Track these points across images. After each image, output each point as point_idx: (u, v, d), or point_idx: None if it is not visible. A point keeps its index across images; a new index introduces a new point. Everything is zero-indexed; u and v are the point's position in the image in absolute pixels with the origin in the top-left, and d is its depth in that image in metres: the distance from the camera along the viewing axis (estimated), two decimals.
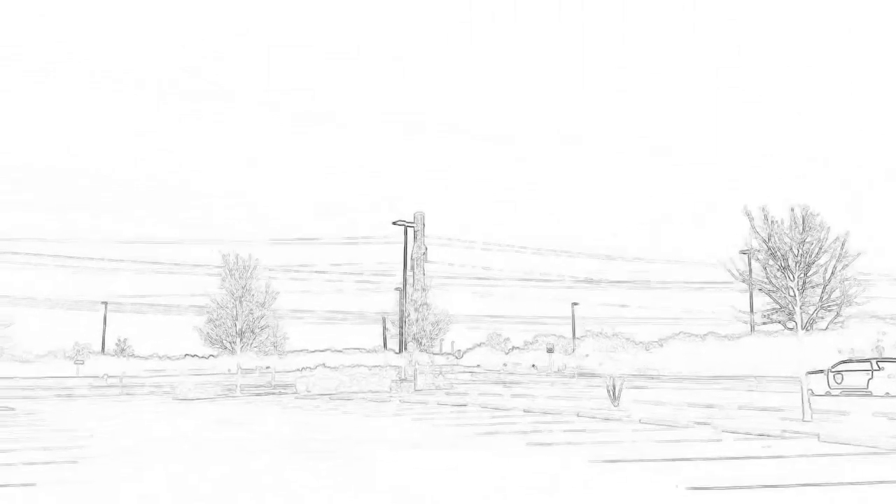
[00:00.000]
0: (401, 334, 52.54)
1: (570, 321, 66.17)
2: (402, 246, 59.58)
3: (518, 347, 68.02)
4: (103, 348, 62.24)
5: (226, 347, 32.50)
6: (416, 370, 35.35)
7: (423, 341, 37.07)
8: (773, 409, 18.76)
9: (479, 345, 68.08)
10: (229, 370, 48.21)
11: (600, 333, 63.19)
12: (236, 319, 32.30)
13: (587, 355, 62.84)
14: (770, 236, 16.18)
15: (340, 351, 64.26)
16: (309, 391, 33.28)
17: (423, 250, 61.61)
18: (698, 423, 15.94)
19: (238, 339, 32.22)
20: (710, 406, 20.44)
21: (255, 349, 34.11)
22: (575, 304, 57.02)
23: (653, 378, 45.22)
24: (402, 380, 31.49)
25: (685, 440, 13.61)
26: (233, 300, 32.27)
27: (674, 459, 11.25)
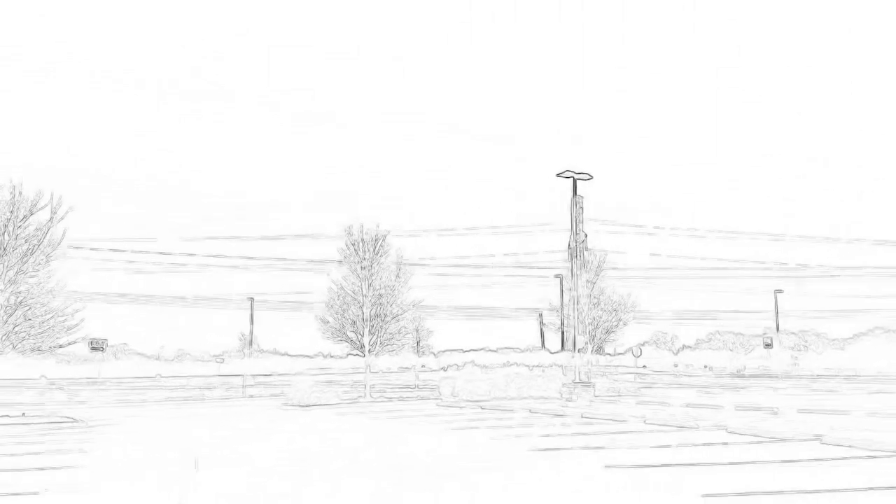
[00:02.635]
0: (562, 330, 44.49)
1: (754, 316, 55.64)
2: (569, 218, 51.53)
3: (689, 346, 58.35)
4: (251, 345, 58.32)
5: (350, 340, 25.76)
6: (587, 372, 27.27)
7: (598, 336, 28.91)
8: None
9: (644, 343, 58.83)
10: (382, 370, 41.97)
11: (787, 330, 53.08)
12: (363, 306, 25.47)
13: (766, 356, 53.27)
14: None
15: (495, 350, 56.43)
16: (455, 396, 25.99)
17: (582, 237, 53.15)
18: None
19: (365, 329, 25.37)
20: None
21: (391, 345, 27.14)
22: (779, 291, 46.76)
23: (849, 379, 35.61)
24: (580, 383, 23.41)
25: None
26: (357, 280, 25.49)
27: None
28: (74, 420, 19.48)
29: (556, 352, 49.27)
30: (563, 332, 46.08)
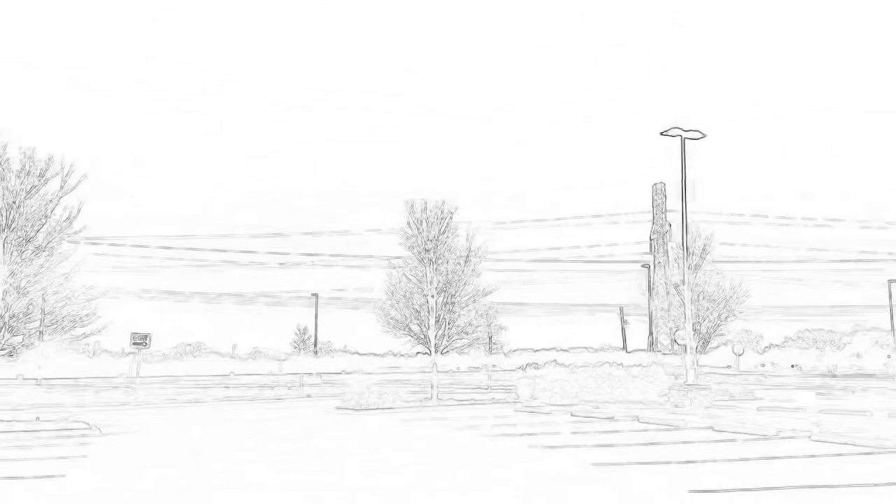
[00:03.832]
0: (651, 326, 40.04)
1: (845, 312, 49.84)
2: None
3: (775, 345, 52.94)
4: (316, 344, 55.94)
5: (414, 334, 22.24)
6: (690, 372, 23.04)
7: (702, 331, 24.73)
8: None
9: (725, 343, 53.73)
10: (451, 369, 38.50)
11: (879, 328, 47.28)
12: (428, 294, 21.89)
13: (858, 354, 47.55)
14: None
15: (566, 350, 52.11)
16: (535, 399, 22.16)
17: (666, 228, 48.36)
18: None
19: (431, 320, 21.81)
20: None
21: (460, 339, 23.47)
22: (893, 281, 41.25)
23: None
24: (693, 386, 19.18)
25: None
26: (422, 264, 21.92)
27: None
28: (88, 426, 16.50)
29: (632, 351, 44.70)
30: (650, 330, 41.55)
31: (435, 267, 21.92)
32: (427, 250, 21.95)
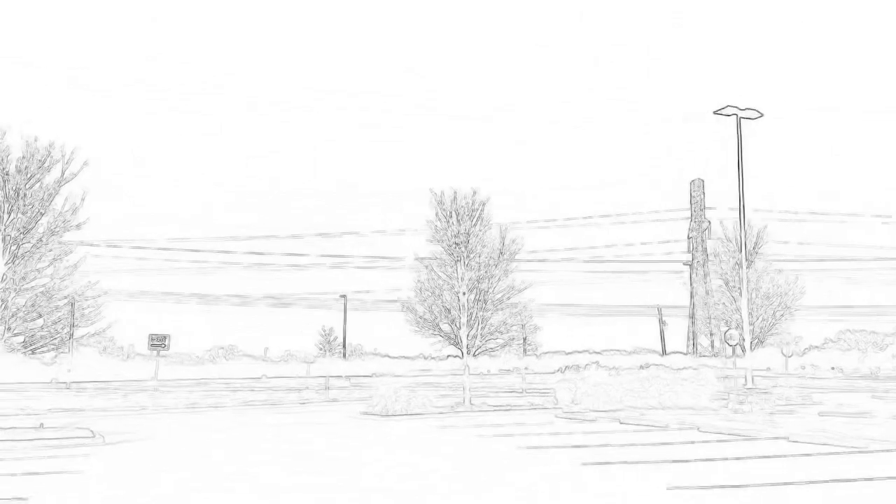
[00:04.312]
0: (692, 327, 38.07)
1: (887, 312, 47.20)
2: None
3: (815, 346, 50.49)
4: (345, 346, 54.81)
5: (444, 334, 20.70)
6: (752, 376, 21.20)
7: (755, 331, 22.91)
8: None
9: (760, 343, 51.37)
10: (487, 371, 36.93)
11: None
12: (458, 291, 20.33)
13: None
14: None
15: (599, 353, 50.13)
16: (576, 404, 20.48)
17: (705, 226, 46.25)
18: None
19: (462, 319, 20.24)
20: None
21: (494, 340, 21.86)
22: None
23: None
24: (754, 389, 17.31)
25: None
26: (452, 259, 20.38)
27: None
28: (92, 434, 15.16)
29: (669, 354, 42.62)
30: (692, 332, 39.49)
31: (466, 262, 20.36)
32: (457, 244, 20.39)
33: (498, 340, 21.21)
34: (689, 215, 45.83)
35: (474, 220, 20.61)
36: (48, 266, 16.13)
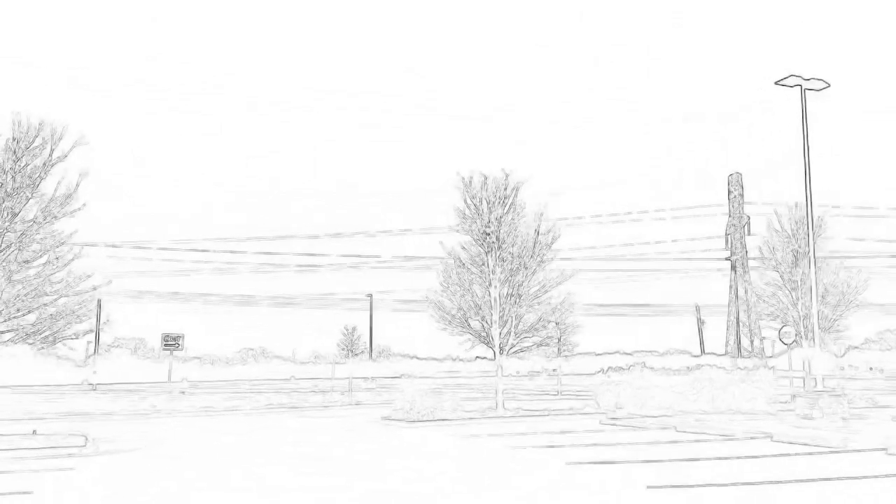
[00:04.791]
0: (737, 322, 35.91)
1: None
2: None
3: (854, 347, 48.02)
4: (371, 347, 53.49)
5: (474, 331, 18.96)
6: (823, 377, 19.19)
7: (811, 328, 20.95)
8: None
9: (792, 342, 48.91)
10: (517, 372, 35.20)
11: None
12: (489, 284, 18.58)
13: None
14: None
15: (630, 354, 48.00)
16: (621, 408, 18.64)
17: (744, 221, 44.06)
18: None
19: (495, 315, 18.49)
20: None
21: (529, 338, 20.00)
22: None
23: None
24: (826, 392, 15.33)
25: None
26: (482, 249, 18.65)
27: None
28: (85, 442, 13.62)
29: (706, 354, 40.38)
30: (737, 332, 37.26)
31: (498, 253, 18.59)
32: (488, 234, 18.63)
33: (534, 339, 19.40)
34: (728, 210, 43.59)
35: (506, 206, 18.85)
36: (41, 257, 14.63)
